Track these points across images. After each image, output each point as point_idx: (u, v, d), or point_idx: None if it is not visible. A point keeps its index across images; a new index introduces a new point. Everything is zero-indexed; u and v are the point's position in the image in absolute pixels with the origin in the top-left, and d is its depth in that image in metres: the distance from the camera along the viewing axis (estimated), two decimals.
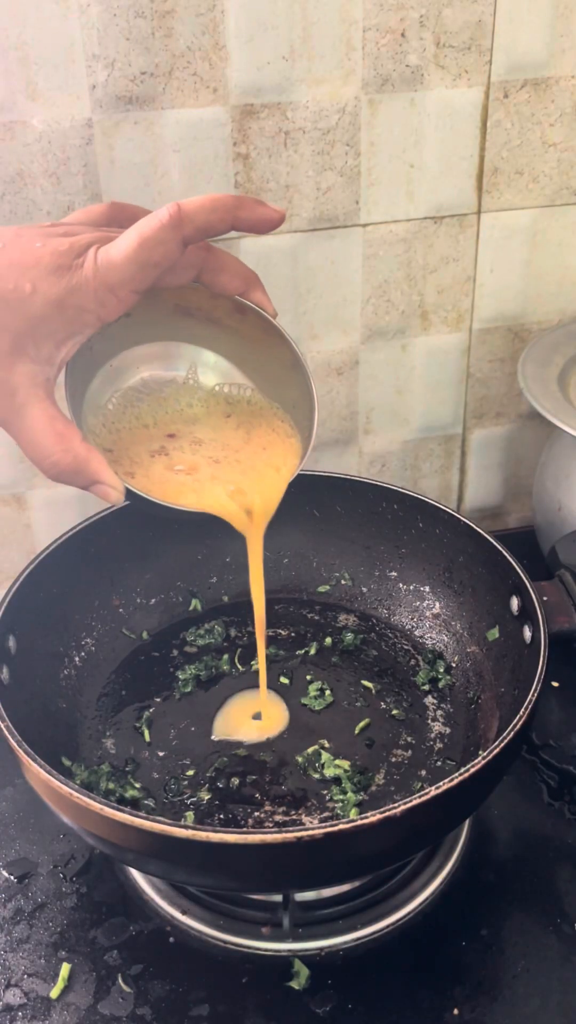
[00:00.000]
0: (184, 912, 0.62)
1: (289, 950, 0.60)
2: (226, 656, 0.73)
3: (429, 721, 0.69)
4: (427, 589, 0.76)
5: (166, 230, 0.50)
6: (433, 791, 0.50)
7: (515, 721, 0.54)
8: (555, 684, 0.77)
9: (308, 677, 0.72)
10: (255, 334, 0.59)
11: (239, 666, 0.73)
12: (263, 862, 0.50)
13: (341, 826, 0.48)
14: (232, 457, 0.59)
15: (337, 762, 0.64)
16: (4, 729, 0.55)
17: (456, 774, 0.51)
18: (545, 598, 0.63)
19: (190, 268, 0.55)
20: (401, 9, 0.72)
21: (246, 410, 0.62)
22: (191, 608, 0.78)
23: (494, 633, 0.69)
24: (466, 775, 0.51)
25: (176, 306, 0.59)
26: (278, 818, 0.61)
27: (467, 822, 0.67)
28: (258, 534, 0.60)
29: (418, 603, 0.77)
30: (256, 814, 0.62)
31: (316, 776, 0.64)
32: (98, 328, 0.51)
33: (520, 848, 0.66)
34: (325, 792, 0.63)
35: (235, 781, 0.64)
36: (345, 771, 0.63)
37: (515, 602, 0.66)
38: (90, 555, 0.71)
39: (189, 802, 0.63)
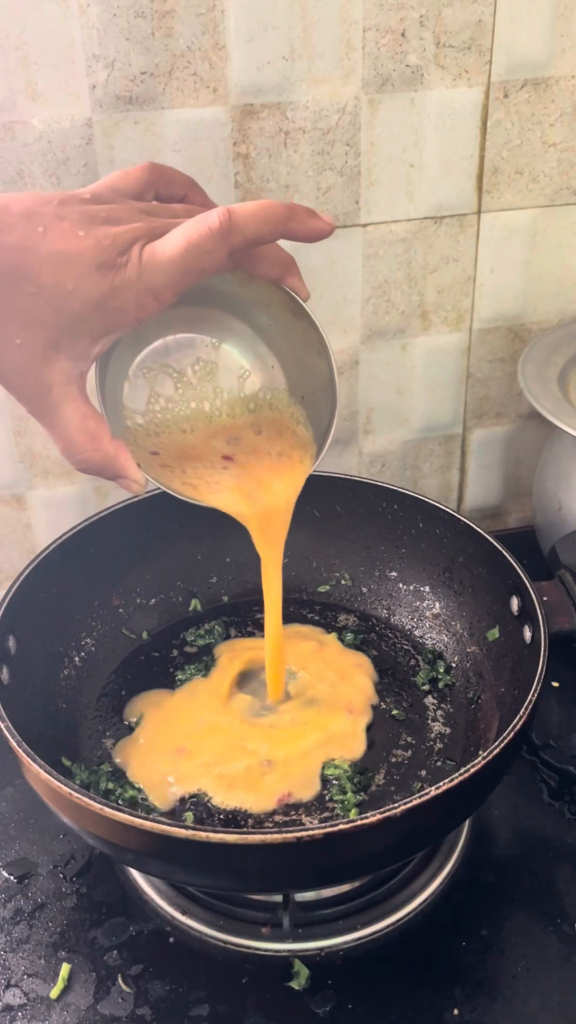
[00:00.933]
0: (184, 912, 0.62)
1: (289, 950, 0.60)
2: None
3: (429, 721, 0.69)
4: (427, 589, 0.76)
5: (215, 239, 0.49)
6: (433, 791, 0.50)
7: (515, 721, 0.54)
8: (555, 684, 0.77)
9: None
10: (284, 314, 0.59)
11: None
12: (263, 862, 0.50)
13: (341, 826, 0.48)
14: (252, 464, 0.61)
15: (337, 762, 0.64)
16: (4, 729, 0.55)
17: (456, 774, 0.51)
18: (545, 598, 0.63)
19: (231, 259, 0.54)
20: (401, 9, 0.72)
21: (268, 416, 0.62)
22: (191, 608, 0.78)
23: (494, 633, 0.69)
24: (466, 775, 0.51)
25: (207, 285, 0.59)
26: (278, 818, 0.61)
27: (467, 822, 0.67)
28: (275, 543, 0.62)
29: (418, 603, 0.77)
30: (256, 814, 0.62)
31: None
32: (134, 326, 0.51)
33: (520, 848, 0.66)
34: (325, 792, 0.63)
35: None
36: (345, 771, 0.63)
37: (515, 602, 0.66)
38: (90, 555, 0.71)
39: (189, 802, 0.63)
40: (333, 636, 0.75)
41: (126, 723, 0.68)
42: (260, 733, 0.65)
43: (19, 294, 0.47)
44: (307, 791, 0.62)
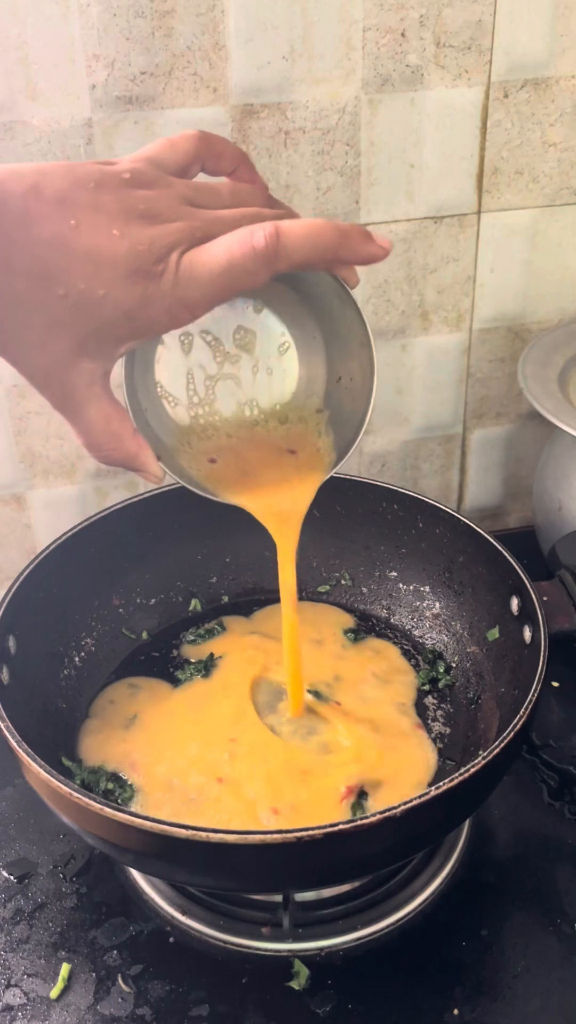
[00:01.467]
0: (184, 912, 0.61)
1: (289, 950, 0.60)
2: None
3: (429, 721, 0.69)
4: (427, 589, 0.76)
5: (258, 261, 0.46)
6: (433, 791, 0.50)
7: (515, 721, 0.54)
8: (555, 684, 0.77)
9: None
10: (330, 297, 0.57)
11: None
12: (263, 862, 0.50)
13: (341, 826, 0.48)
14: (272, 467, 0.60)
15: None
16: (4, 729, 0.55)
17: (456, 774, 0.51)
18: (545, 598, 0.63)
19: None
20: (401, 9, 0.72)
21: (297, 429, 0.61)
22: (191, 608, 0.78)
23: (494, 633, 0.69)
24: (466, 775, 0.51)
25: None
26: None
27: (467, 822, 0.67)
28: (289, 539, 0.61)
29: (418, 603, 0.77)
30: None
31: None
32: (163, 333, 0.49)
33: (520, 848, 0.66)
34: None
35: None
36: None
37: (515, 602, 0.66)
38: (90, 555, 0.71)
39: None
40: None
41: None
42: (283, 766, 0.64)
43: (47, 295, 0.44)
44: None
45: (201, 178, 0.52)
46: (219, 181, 0.51)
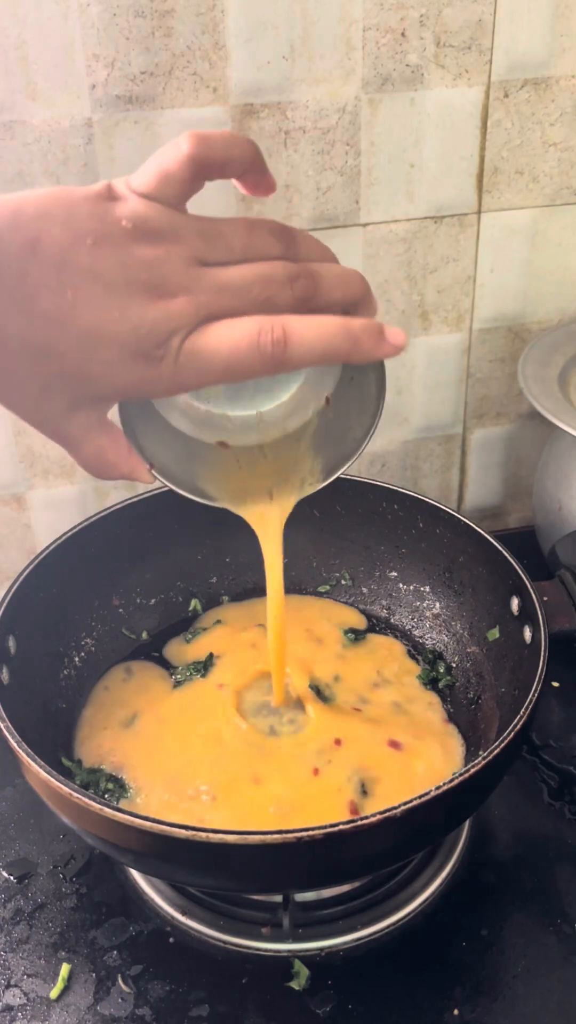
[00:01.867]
0: (184, 912, 0.61)
1: (289, 950, 0.60)
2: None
3: None
4: (427, 589, 0.76)
5: (262, 364, 0.44)
6: (433, 791, 0.50)
7: (515, 721, 0.54)
8: (555, 684, 0.77)
9: None
10: None
11: None
12: (263, 862, 0.50)
13: (341, 826, 0.48)
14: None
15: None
16: (4, 729, 0.55)
17: (456, 774, 0.51)
18: (545, 598, 0.63)
19: None
20: (401, 8, 0.72)
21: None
22: (191, 608, 0.78)
23: (494, 633, 0.69)
24: (466, 775, 0.51)
25: None
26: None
27: (467, 822, 0.67)
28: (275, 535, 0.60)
29: (418, 603, 0.77)
30: None
31: None
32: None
33: (520, 848, 0.66)
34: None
35: None
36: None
37: (515, 602, 0.66)
38: (90, 555, 0.71)
39: None
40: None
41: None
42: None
43: (42, 368, 0.43)
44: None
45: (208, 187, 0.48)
46: (232, 223, 0.45)
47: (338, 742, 0.65)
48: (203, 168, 0.44)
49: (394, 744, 0.65)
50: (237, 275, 0.44)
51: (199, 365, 0.44)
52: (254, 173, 0.47)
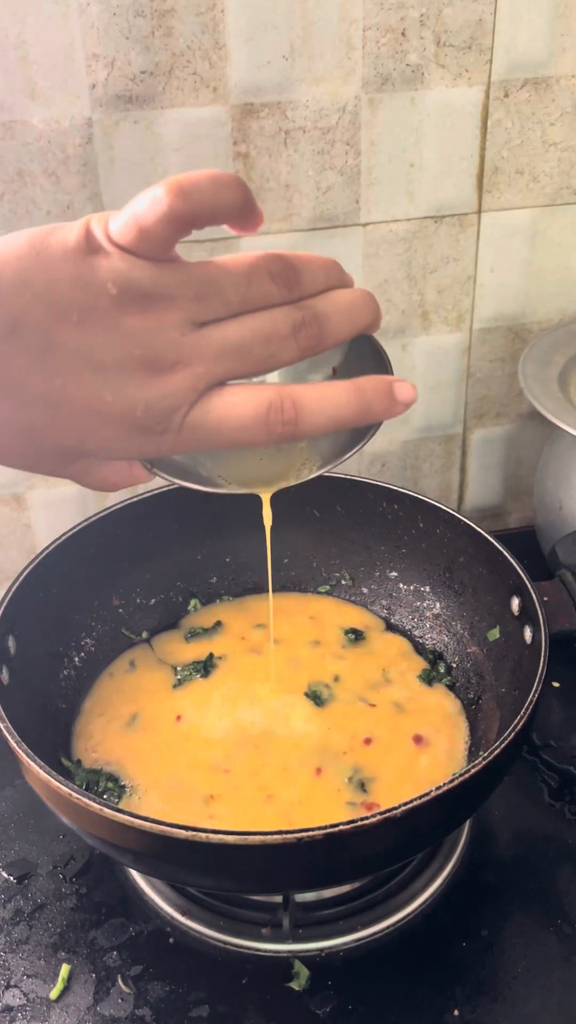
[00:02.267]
0: (184, 913, 0.61)
1: (289, 951, 0.59)
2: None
3: None
4: (427, 589, 0.76)
5: (272, 439, 0.41)
6: (434, 792, 0.50)
7: (516, 722, 0.54)
8: (556, 684, 0.77)
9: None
10: None
11: None
12: (263, 863, 0.50)
13: (341, 827, 0.48)
14: None
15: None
16: (4, 730, 0.55)
17: (456, 775, 0.51)
18: (546, 598, 0.63)
19: None
20: (401, 8, 0.72)
21: None
22: (191, 608, 0.78)
23: (495, 633, 0.69)
24: (467, 776, 0.51)
25: None
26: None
27: (468, 823, 0.67)
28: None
29: (418, 603, 0.77)
30: None
31: None
32: None
33: (521, 849, 0.66)
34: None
35: None
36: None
37: (516, 602, 0.65)
38: (90, 555, 0.71)
39: None
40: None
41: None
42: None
43: (37, 446, 0.41)
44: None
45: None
46: (228, 271, 0.41)
47: (340, 742, 0.65)
48: (186, 224, 0.40)
49: (390, 737, 0.65)
50: (236, 335, 0.41)
51: (202, 437, 0.41)
52: (243, 215, 0.42)
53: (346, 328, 0.43)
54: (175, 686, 0.71)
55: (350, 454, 0.53)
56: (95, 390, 0.39)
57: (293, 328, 0.41)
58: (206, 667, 0.72)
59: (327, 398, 0.42)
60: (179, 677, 0.72)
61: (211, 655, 0.73)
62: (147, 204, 0.39)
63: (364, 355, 0.50)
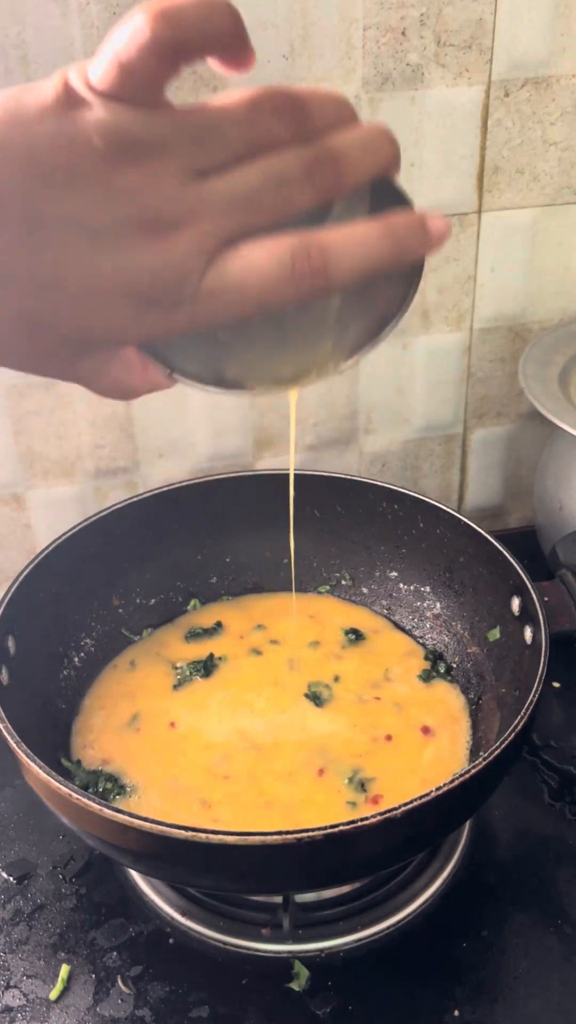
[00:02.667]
0: (184, 913, 0.61)
1: (289, 951, 0.59)
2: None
3: None
4: (427, 589, 0.76)
5: (302, 294, 0.37)
6: (434, 792, 0.50)
7: (516, 722, 0.54)
8: (556, 685, 0.77)
9: None
10: None
11: None
12: (262, 863, 0.50)
13: (341, 827, 0.48)
14: None
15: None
16: (3, 730, 0.55)
17: (457, 775, 0.51)
18: (546, 598, 0.63)
19: None
20: (401, 8, 0.72)
21: None
22: (191, 607, 0.78)
23: (495, 633, 0.69)
24: (467, 776, 0.51)
25: None
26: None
27: (468, 823, 0.67)
28: None
29: (418, 603, 0.76)
30: None
31: None
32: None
33: (521, 849, 0.66)
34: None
35: None
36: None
37: (516, 602, 0.65)
38: (90, 555, 0.71)
39: None
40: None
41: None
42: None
43: (39, 338, 0.37)
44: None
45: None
46: (227, 110, 0.37)
47: (340, 742, 0.65)
48: (173, 55, 0.35)
49: (391, 737, 0.65)
50: (243, 183, 0.36)
51: (222, 305, 0.36)
52: (235, 46, 0.37)
53: (365, 166, 0.38)
54: (175, 687, 0.71)
55: (389, 327, 0.48)
56: (92, 262, 0.35)
57: (306, 168, 0.37)
58: (206, 667, 0.72)
59: (356, 238, 0.37)
60: (179, 678, 0.72)
61: (211, 655, 0.73)
62: (127, 36, 0.34)
63: (387, 205, 0.43)
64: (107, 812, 0.49)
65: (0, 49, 0.67)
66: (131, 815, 0.49)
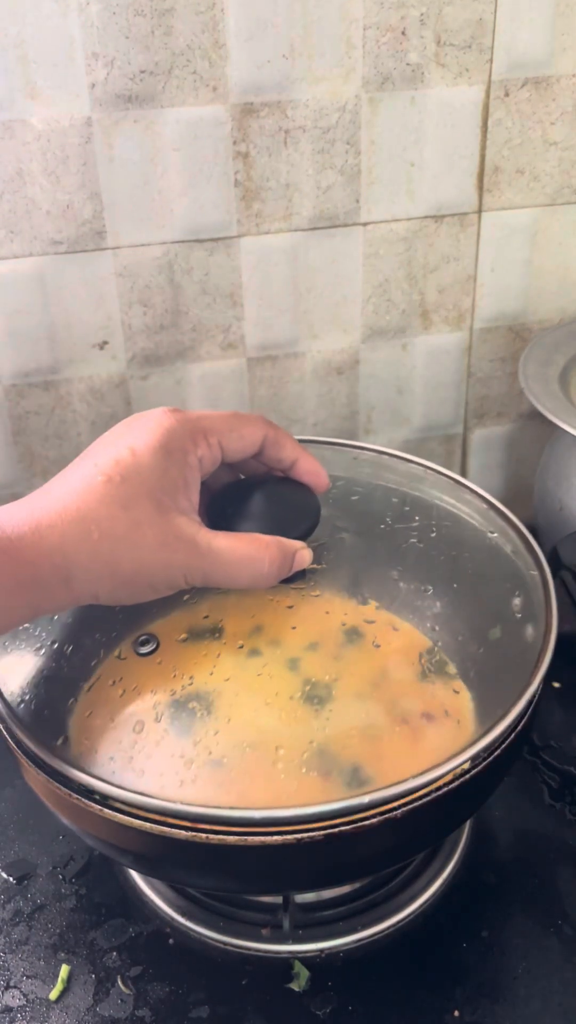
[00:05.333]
0: (184, 913, 0.61)
1: (289, 952, 0.59)
2: None
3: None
4: (427, 588, 0.76)
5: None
6: (434, 793, 0.50)
7: (516, 722, 0.54)
8: (556, 685, 0.77)
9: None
10: None
11: None
12: (262, 863, 0.50)
13: (341, 827, 0.48)
14: None
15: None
16: (2, 730, 0.55)
17: (457, 776, 0.51)
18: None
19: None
20: (402, 7, 0.72)
21: None
22: (189, 608, 0.78)
23: (495, 633, 0.69)
24: (467, 776, 0.51)
25: None
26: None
27: (468, 823, 0.66)
28: None
29: (418, 603, 0.76)
30: None
31: None
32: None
33: (521, 849, 0.66)
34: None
35: None
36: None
37: (517, 602, 0.65)
38: None
39: None
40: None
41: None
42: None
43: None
44: None
45: None
46: None
47: (339, 742, 0.65)
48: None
49: (391, 737, 0.65)
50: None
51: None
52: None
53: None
54: (175, 687, 0.71)
55: None
56: None
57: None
58: (205, 668, 0.72)
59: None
60: (177, 677, 0.71)
61: (210, 656, 0.72)
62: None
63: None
64: (106, 812, 0.49)
65: (0, 49, 0.67)
66: (130, 816, 0.49)
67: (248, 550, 0.52)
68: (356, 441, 0.79)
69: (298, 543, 0.56)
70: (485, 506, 0.70)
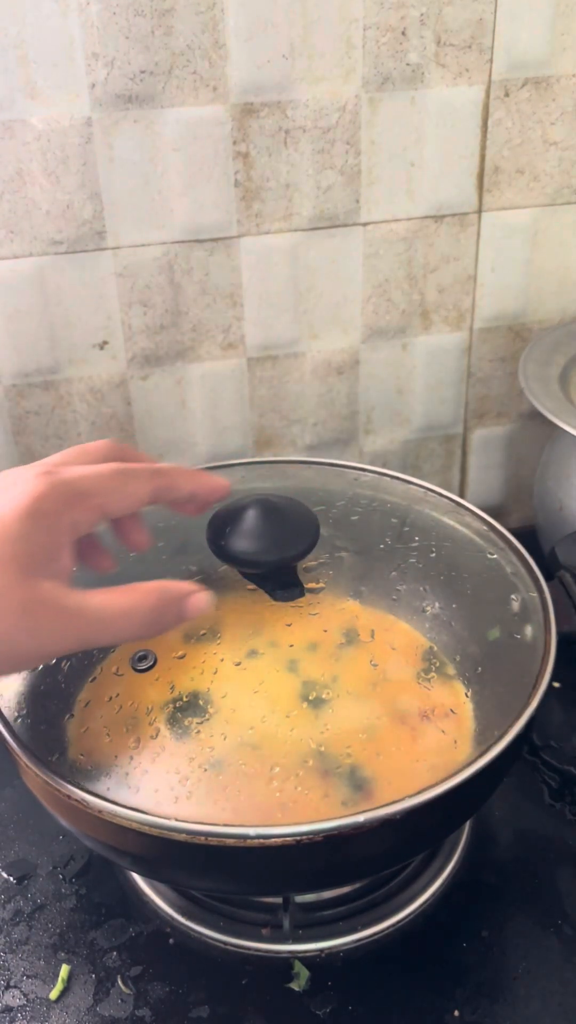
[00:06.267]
0: (184, 913, 0.61)
1: (289, 951, 0.59)
2: None
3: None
4: (427, 589, 0.76)
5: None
6: (433, 793, 0.50)
7: (516, 722, 0.54)
8: (556, 685, 0.77)
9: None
10: None
11: None
12: (262, 864, 0.50)
13: (341, 828, 0.48)
14: None
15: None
16: (2, 730, 0.55)
17: (456, 776, 0.51)
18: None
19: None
20: (401, 7, 0.72)
21: None
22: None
23: (495, 633, 0.69)
24: (467, 777, 0.51)
25: None
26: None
27: (468, 824, 0.67)
28: None
29: (418, 603, 0.76)
30: None
31: None
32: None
33: (521, 849, 0.66)
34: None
35: None
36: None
37: (516, 602, 0.65)
38: None
39: None
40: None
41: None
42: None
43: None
44: None
45: None
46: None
47: (339, 743, 0.65)
48: (117, 453, 0.56)
49: (390, 737, 0.65)
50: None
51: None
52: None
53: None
54: (174, 687, 0.71)
55: None
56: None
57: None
58: (204, 669, 0.72)
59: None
60: (176, 678, 0.71)
61: (208, 657, 0.72)
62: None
63: None
64: (105, 814, 0.49)
65: (0, 49, 0.67)
66: (129, 815, 0.49)
67: (125, 602, 0.49)
68: (355, 462, 0.79)
69: (189, 586, 0.53)
70: (485, 527, 0.70)
